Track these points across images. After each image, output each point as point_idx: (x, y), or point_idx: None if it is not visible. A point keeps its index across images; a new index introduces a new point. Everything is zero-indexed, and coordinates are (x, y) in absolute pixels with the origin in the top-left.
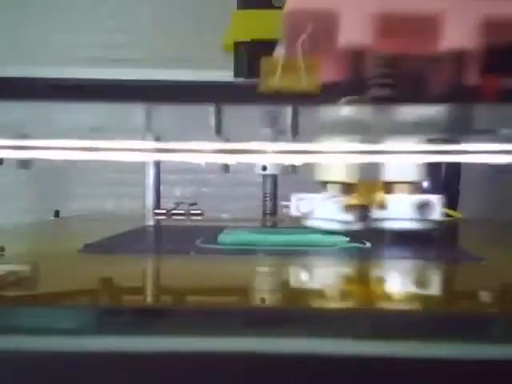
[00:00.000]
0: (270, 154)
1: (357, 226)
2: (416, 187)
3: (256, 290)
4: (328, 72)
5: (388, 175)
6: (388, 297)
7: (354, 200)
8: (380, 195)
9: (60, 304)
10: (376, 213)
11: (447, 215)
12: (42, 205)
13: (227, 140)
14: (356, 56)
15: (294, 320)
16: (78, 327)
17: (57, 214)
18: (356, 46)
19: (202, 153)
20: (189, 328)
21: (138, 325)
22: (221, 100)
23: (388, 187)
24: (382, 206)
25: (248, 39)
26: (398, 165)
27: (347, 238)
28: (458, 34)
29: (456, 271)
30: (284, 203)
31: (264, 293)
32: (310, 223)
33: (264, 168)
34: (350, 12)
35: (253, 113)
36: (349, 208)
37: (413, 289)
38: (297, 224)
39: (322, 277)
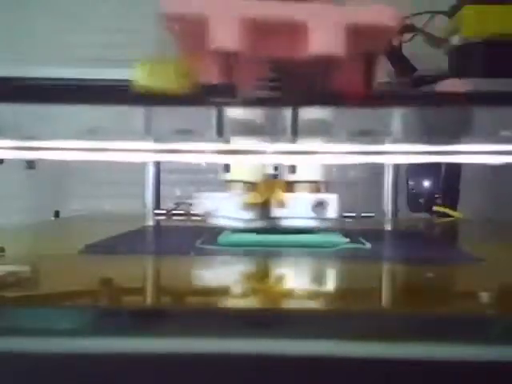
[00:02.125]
0: (270, 155)
1: (258, 224)
2: (316, 187)
3: (256, 291)
4: (205, 74)
5: (289, 175)
6: (385, 298)
7: (254, 198)
8: (280, 194)
9: (60, 305)
10: (275, 211)
11: (447, 215)
12: (42, 205)
13: (227, 141)
14: (226, 59)
15: (294, 321)
16: (78, 328)
17: (57, 214)
18: (225, 50)
19: (202, 153)
20: (189, 329)
21: (138, 326)
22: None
23: (289, 186)
24: (282, 205)
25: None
26: (299, 165)
27: (347, 239)
28: (323, 40)
29: (456, 272)
30: (187, 201)
31: (264, 294)
32: (212, 221)
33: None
34: (218, 16)
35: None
36: (249, 206)
37: (412, 290)
38: (199, 221)
39: (322, 278)
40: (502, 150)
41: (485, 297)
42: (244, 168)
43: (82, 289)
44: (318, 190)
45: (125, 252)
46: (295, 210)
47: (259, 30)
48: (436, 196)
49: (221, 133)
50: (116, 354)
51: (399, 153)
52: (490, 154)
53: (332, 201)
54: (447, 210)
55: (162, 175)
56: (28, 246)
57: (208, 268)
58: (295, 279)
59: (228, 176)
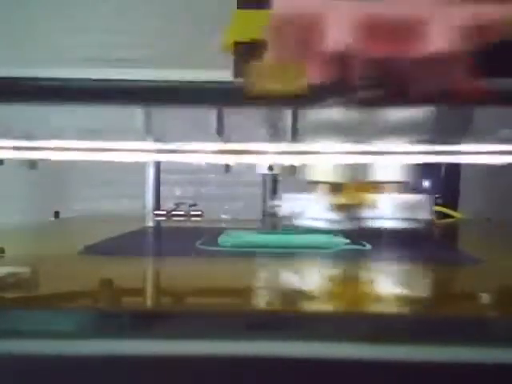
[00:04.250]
0: (270, 155)
1: (345, 226)
2: (405, 187)
3: (256, 293)
4: (315, 74)
5: (377, 175)
6: (386, 299)
7: (342, 199)
8: (369, 195)
9: (60, 307)
10: (365, 212)
11: (447, 215)
12: (42, 205)
13: (228, 141)
14: (342, 59)
15: (295, 323)
16: (78, 330)
17: (57, 214)
18: (342, 49)
19: (202, 153)
20: (189, 331)
21: (138, 328)
22: (218, 101)
23: (377, 187)
24: (371, 206)
25: (247, 39)
26: (387, 165)
27: (347, 240)
28: (442, 37)
29: (455, 273)
30: (274, 203)
31: (264, 295)
32: (299, 223)
33: (270, 168)
34: (335, 15)
35: (252, 114)
36: (337, 207)
37: (412, 291)
38: (286, 223)
39: (322, 279)
40: (502, 150)
41: (485, 298)
42: (328, 169)
43: (82, 290)
44: (405, 191)
45: (124, 253)
46: (385, 211)
47: (374, 29)
48: (436, 196)
49: (221, 132)
50: (116, 356)
51: (400, 153)
52: (490, 154)
53: (424, 202)
54: (447, 210)
55: (162, 175)
56: (28, 247)
57: (208, 269)
58: (295, 280)
59: (311, 176)
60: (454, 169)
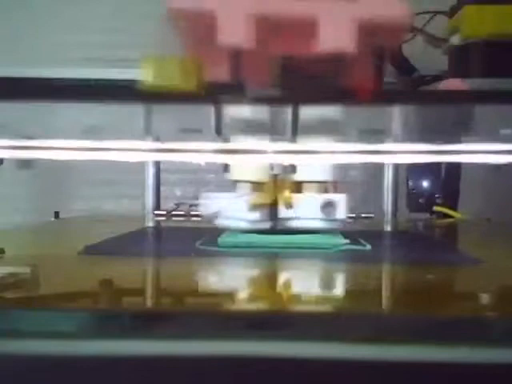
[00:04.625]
0: (269, 154)
1: (265, 225)
2: (325, 187)
3: (256, 293)
4: (213, 71)
5: (298, 175)
6: (386, 300)
7: (261, 199)
8: (287, 194)
9: (60, 307)
10: (283, 212)
11: (447, 215)
12: (42, 205)
13: (226, 140)
14: (236, 55)
15: (295, 323)
16: (78, 330)
17: (57, 215)
18: (234, 46)
19: (201, 153)
20: (189, 331)
21: (138, 328)
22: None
23: (297, 187)
24: (290, 205)
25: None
26: (307, 165)
27: (347, 240)
28: (333, 37)
29: (455, 274)
30: (192, 202)
31: (264, 295)
32: (218, 222)
33: (272, 168)
34: (227, 12)
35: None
36: (256, 207)
37: (411, 292)
38: (206, 223)
39: (322, 279)
40: (503, 150)
41: (485, 299)
42: (250, 168)
43: (82, 291)
44: (326, 191)
45: (125, 253)
46: (303, 210)
47: (268, 26)
48: (436, 196)
49: (219, 131)
50: (116, 357)
51: (399, 152)
52: (491, 153)
53: (341, 201)
54: (447, 211)
55: (162, 175)
56: (28, 248)
57: (208, 269)
58: (295, 281)
59: (234, 176)
60: (454, 169)
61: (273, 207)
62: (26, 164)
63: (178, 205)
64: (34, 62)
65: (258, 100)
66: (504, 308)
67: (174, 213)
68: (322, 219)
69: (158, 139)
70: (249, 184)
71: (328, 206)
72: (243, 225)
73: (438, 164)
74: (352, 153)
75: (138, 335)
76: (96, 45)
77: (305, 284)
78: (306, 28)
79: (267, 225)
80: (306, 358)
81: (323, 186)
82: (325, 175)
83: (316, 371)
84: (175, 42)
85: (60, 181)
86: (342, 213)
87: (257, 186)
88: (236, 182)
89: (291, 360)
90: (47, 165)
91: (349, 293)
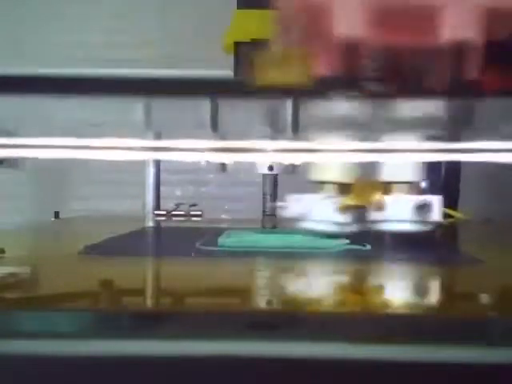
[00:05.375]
0: (269, 153)
1: (353, 228)
2: (415, 187)
3: (256, 293)
4: (323, 65)
5: (386, 175)
6: (387, 300)
7: (350, 201)
8: (378, 196)
9: (60, 307)
10: (373, 214)
11: (447, 215)
12: (42, 205)
13: (224, 138)
14: (351, 49)
15: (295, 323)
16: (78, 330)
17: (57, 215)
18: (351, 39)
19: (200, 151)
20: (189, 331)
21: (138, 328)
22: (216, 94)
23: (386, 188)
24: (380, 207)
25: (248, 39)
26: (397, 164)
27: (347, 241)
28: (458, 25)
29: (455, 274)
30: (280, 204)
31: (264, 295)
32: (305, 224)
33: (271, 168)
34: (344, 3)
35: (251, 109)
36: (345, 209)
37: (412, 292)
38: (293, 225)
39: (322, 280)
40: (503, 148)
41: (484, 298)
42: (336, 168)
43: (82, 291)
44: (417, 192)
45: (125, 253)
46: (395, 212)
47: (386, 16)
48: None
49: (215, 128)
50: (116, 357)
51: (410, 150)
52: (492, 151)
53: (436, 202)
54: (447, 210)
55: (162, 175)
56: (28, 248)
57: (208, 270)
58: (295, 281)
59: (318, 176)
60: (454, 169)
61: (361, 209)
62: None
63: (177, 205)
64: (34, 62)
65: (370, 94)
66: (503, 308)
67: (173, 213)
68: (415, 221)
69: (157, 136)
70: (335, 185)
71: (423, 208)
72: (330, 228)
73: (438, 164)
74: (352, 152)
75: (138, 335)
76: (96, 45)
77: (305, 284)
78: (426, 17)
79: (356, 228)
80: (306, 358)
81: (414, 187)
82: (415, 175)
83: (316, 371)
84: (172, 42)
85: (60, 181)
86: (436, 214)
87: (343, 187)
88: (321, 183)
89: (291, 360)
90: (47, 165)
91: (349, 293)
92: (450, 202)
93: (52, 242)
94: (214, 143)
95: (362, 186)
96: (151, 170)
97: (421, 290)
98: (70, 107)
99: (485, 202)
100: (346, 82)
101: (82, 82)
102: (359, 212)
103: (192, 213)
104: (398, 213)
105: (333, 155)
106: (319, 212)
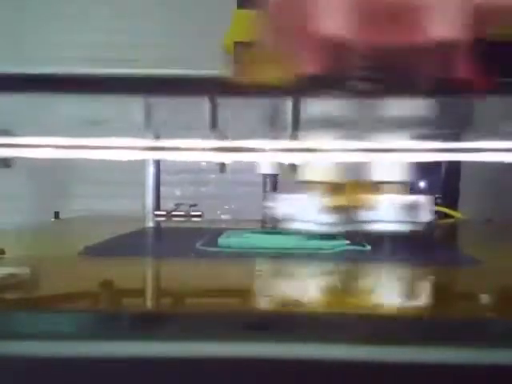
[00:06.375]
0: (268, 153)
1: (341, 228)
2: (405, 187)
3: (256, 294)
4: (309, 64)
5: (376, 175)
6: (385, 301)
7: (338, 201)
8: (367, 196)
9: (59, 308)
10: (362, 214)
11: (447, 215)
12: (42, 205)
13: (224, 137)
14: (337, 46)
15: (295, 324)
16: (78, 331)
17: (57, 215)
18: (337, 36)
19: (199, 151)
20: (189, 332)
21: (138, 329)
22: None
23: (376, 188)
24: (369, 207)
25: (248, 39)
26: (387, 164)
27: (347, 241)
28: (446, 24)
29: (455, 274)
30: (267, 204)
31: (264, 296)
32: (292, 225)
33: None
34: (329, 2)
35: (250, 108)
36: (333, 209)
37: (411, 292)
38: (279, 225)
39: (321, 280)
40: (503, 148)
41: (484, 299)
42: (323, 168)
43: (82, 291)
44: (406, 192)
45: (124, 254)
46: (384, 212)
47: (371, 14)
48: (436, 196)
49: (214, 126)
50: (116, 358)
51: (401, 150)
52: (491, 151)
53: (426, 203)
54: (447, 210)
55: (161, 176)
56: (28, 248)
57: (208, 270)
58: (295, 281)
59: (305, 176)
60: (454, 169)
61: (349, 209)
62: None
63: (177, 205)
64: (34, 62)
65: (361, 94)
66: (503, 308)
67: (173, 213)
68: (404, 222)
69: (157, 136)
70: (322, 185)
71: (412, 208)
72: (317, 228)
73: (438, 164)
74: (352, 152)
75: (138, 336)
76: (96, 45)
77: (304, 285)
78: (411, 15)
79: (344, 228)
80: (305, 358)
81: (403, 187)
82: (404, 175)
83: (315, 371)
84: (172, 42)
85: (60, 181)
86: (426, 215)
87: (331, 187)
88: (309, 182)
89: (291, 361)
90: (47, 165)
91: (348, 293)
92: (450, 202)
93: (52, 242)
94: (214, 143)
95: (351, 186)
96: (151, 170)
97: (420, 290)
98: (70, 107)
99: (485, 202)
100: (333, 82)
101: (81, 82)
102: (348, 212)
103: (192, 213)
104: (388, 213)
105: (322, 155)
106: (307, 212)
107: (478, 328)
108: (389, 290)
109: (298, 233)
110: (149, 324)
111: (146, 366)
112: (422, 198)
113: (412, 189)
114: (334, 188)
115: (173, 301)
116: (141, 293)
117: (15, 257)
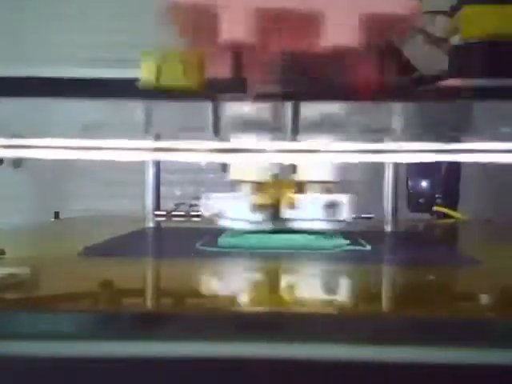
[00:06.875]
0: (270, 153)
1: (266, 226)
2: (328, 187)
3: (256, 294)
4: (214, 68)
5: (300, 175)
6: (386, 301)
7: (262, 199)
8: (290, 194)
9: (60, 308)
10: (285, 212)
11: (447, 215)
12: (42, 205)
13: (225, 139)
14: (237, 51)
15: (295, 324)
16: (78, 331)
17: (56, 215)
18: (237, 43)
19: (200, 152)
20: (189, 332)
21: (138, 329)
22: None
23: (299, 187)
24: (292, 206)
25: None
26: (310, 164)
27: (347, 241)
28: (339, 32)
29: (455, 275)
30: (194, 202)
31: (264, 296)
32: (219, 223)
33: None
34: (231, 7)
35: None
36: (258, 207)
37: (411, 293)
38: (208, 223)
39: (322, 280)
40: (503, 149)
41: (483, 299)
42: (251, 167)
43: (82, 292)
44: (329, 191)
45: (124, 254)
46: (306, 211)
47: (271, 21)
48: (436, 196)
49: (217, 130)
50: (116, 358)
51: (400, 151)
52: (491, 152)
53: (345, 201)
54: (447, 211)
55: (162, 175)
56: (28, 248)
57: (208, 270)
58: (295, 282)
59: (234, 176)
60: (454, 169)
61: (275, 208)
62: (17, 163)
63: (177, 205)
64: (34, 62)
65: (259, 97)
66: (503, 308)
67: (174, 213)
68: (324, 220)
69: (158, 137)
70: (250, 184)
71: (331, 207)
72: (245, 225)
73: (438, 164)
74: (353, 152)
75: (138, 336)
76: (96, 45)
77: (305, 285)
78: (310, 23)
79: (269, 225)
80: (305, 358)
81: (326, 186)
82: (327, 175)
83: (315, 371)
84: (174, 39)
85: (60, 181)
86: (345, 213)
87: (258, 186)
88: (237, 182)
89: (291, 361)
90: (47, 165)
91: (348, 294)
92: (450, 202)
93: (52, 242)
94: (214, 144)
95: (275, 185)
96: (151, 170)
97: (420, 290)
98: (70, 108)
99: (485, 202)
100: (237, 85)
101: (82, 83)
102: (272, 210)
103: (192, 213)
104: (309, 211)
105: (250, 155)
106: (235, 210)
107: (478, 328)
108: (387, 290)
109: (298, 233)
110: (149, 324)
111: (145, 365)
112: (343, 197)
113: (412, 189)
114: (260, 187)
115: (173, 301)
116: (140, 293)
117: (15, 257)
